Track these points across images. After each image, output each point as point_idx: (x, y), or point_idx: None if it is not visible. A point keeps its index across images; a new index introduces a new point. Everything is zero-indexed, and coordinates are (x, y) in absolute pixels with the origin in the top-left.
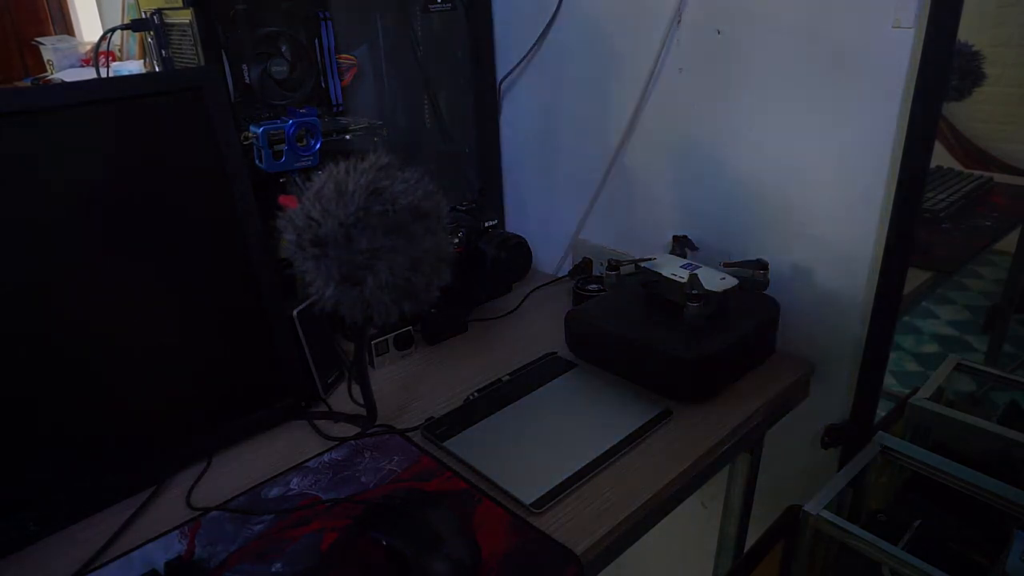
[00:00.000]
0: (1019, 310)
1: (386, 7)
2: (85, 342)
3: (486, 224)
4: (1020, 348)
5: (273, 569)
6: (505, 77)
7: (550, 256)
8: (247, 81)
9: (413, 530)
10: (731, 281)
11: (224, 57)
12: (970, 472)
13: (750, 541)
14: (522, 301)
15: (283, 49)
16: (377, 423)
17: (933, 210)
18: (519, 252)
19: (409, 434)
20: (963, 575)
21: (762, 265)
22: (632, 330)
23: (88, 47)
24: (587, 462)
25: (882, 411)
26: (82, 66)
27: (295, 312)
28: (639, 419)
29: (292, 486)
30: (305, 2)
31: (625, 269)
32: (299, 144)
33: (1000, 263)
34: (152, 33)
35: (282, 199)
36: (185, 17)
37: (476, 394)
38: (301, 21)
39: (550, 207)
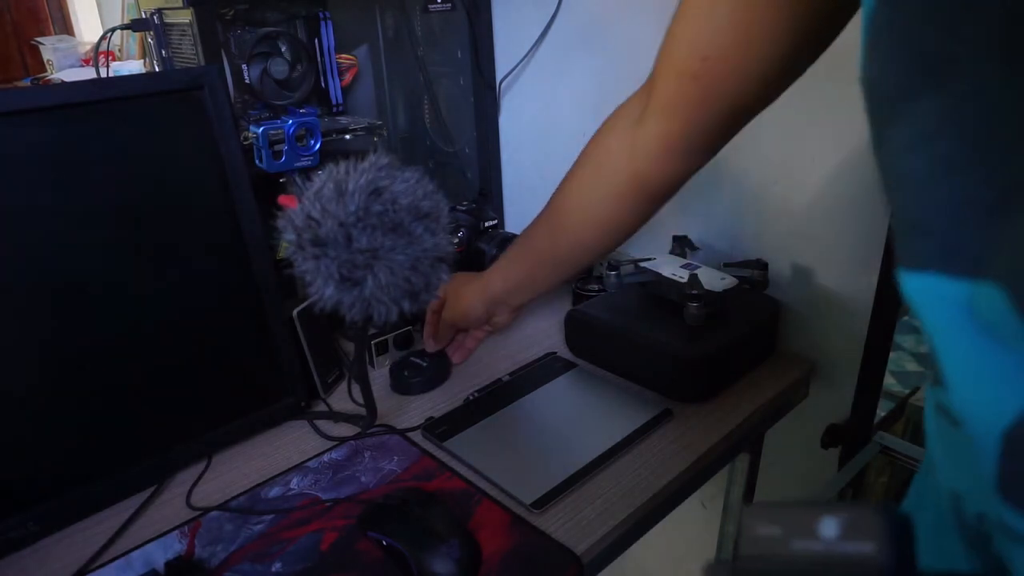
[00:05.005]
0: None
1: (386, 7)
2: (83, 342)
3: (486, 224)
4: None
5: (273, 569)
6: (505, 77)
7: None
8: (247, 81)
9: (413, 530)
10: (731, 281)
11: (224, 57)
12: None
13: None
14: None
15: (283, 49)
16: (377, 423)
17: None
18: None
19: (409, 434)
20: None
21: (762, 265)
22: (632, 330)
23: (88, 47)
24: (587, 462)
25: (882, 411)
26: (82, 66)
27: (295, 312)
28: (639, 419)
29: (292, 486)
30: (305, 2)
31: (625, 269)
32: (299, 144)
33: None
34: (152, 33)
35: (282, 199)
36: (185, 17)
37: (476, 394)
38: (301, 21)
39: None
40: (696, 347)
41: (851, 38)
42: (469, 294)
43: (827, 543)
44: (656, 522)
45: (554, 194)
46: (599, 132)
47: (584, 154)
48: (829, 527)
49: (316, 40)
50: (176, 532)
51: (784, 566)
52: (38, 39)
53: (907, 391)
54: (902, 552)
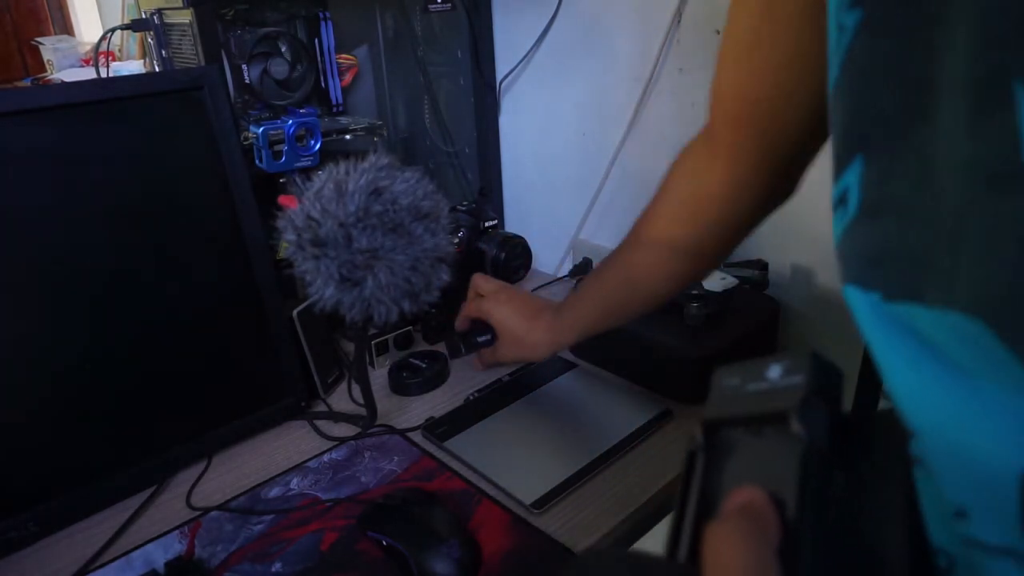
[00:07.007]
0: None
1: (386, 7)
2: (83, 342)
3: (486, 224)
4: None
5: (273, 569)
6: (505, 77)
7: (550, 256)
8: (247, 81)
9: (413, 530)
10: (731, 281)
11: (224, 57)
12: None
13: None
14: None
15: (283, 49)
16: (377, 423)
17: None
18: (519, 252)
19: (409, 434)
20: None
21: (762, 265)
22: (632, 330)
23: (88, 47)
24: (587, 462)
25: None
26: (82, 66)
27: (295, 312)
28: (639, 419)
29: (292, 486)
30: (305, 2)
31: None
32: (299, 144)
33: None
34: (152, 33)
35: (282, 199)
36: (185, 17)
37: (476, 394)
38: (301, 21)
39: (550, 207)
40: (696, 347)
41: None
42: (537, 340)
43: (772, 382)
44: (656, 522)
45: (630, 240)
46: (671, 180)
47: (662, 201)
48: (774, 370)
49: (316, 40)
50: (176, 532)
51: (740, 405)
52: (38, 39)
53: None
54: (825, 381)
